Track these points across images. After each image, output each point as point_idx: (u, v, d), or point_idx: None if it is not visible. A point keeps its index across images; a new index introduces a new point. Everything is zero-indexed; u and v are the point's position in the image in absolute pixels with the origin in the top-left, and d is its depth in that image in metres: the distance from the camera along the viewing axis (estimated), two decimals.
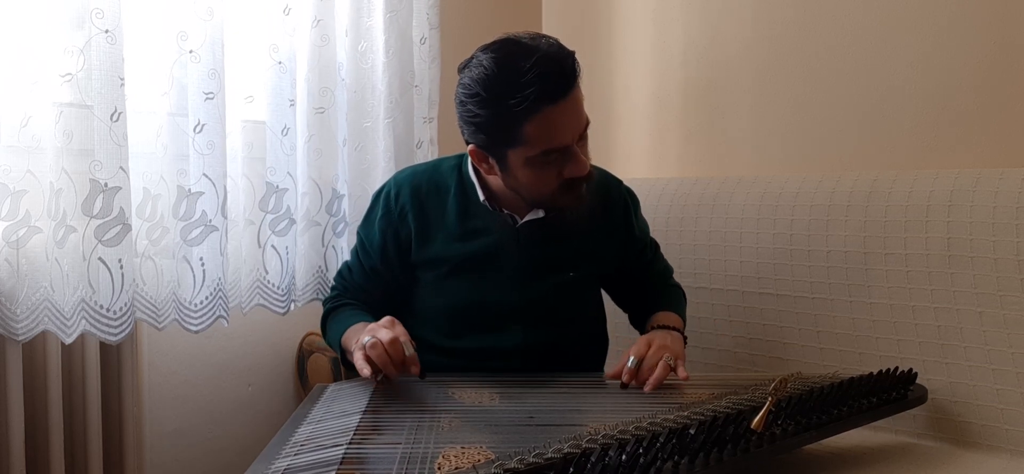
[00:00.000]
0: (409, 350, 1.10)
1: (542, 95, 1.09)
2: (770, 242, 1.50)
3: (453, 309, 1.29)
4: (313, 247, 1.60)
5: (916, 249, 1.32)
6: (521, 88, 1.09)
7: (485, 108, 1.13)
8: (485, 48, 1.15)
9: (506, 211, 1.28)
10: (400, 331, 1.12)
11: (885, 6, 1.50)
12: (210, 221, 1.39)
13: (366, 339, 1.10)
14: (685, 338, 1.31)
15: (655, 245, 1.47)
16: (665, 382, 1.16)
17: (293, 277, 1.58)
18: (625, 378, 1.17)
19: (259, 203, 1.52)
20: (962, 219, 1.28)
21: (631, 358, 1.18)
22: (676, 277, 1.50)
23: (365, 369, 1.09)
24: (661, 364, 1.15)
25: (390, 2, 1.65)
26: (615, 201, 1.37)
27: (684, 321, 1.37)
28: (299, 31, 1.55)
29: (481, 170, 1.25)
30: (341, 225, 1.65)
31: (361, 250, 1.35)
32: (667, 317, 1.32)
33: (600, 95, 1.99)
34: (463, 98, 1.16)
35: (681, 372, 1.16)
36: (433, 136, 1.79)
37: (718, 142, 1.79)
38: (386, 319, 1.15)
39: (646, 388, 1.14)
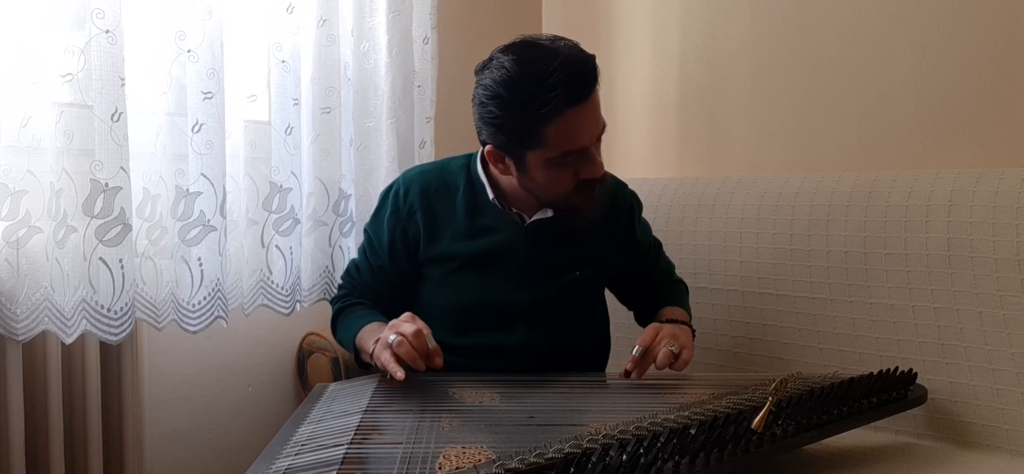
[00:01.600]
0: (432, 342, 1.10)
1: (566, 98, 1.10)
2: (770, 242, 1.50)
3: (459, 307, 1.29)
4: (320, 247, 1.60)
5: (916, 249, 1.32)
6: (546, 91, 1.09)
7: (507, 110, 1.14)
8: (504, 49, 1.15)
9: (514, 210, 1.28)
10: (421, 324, 1.12)
11: (885, 6, 1.50)
12: (208, 221, 1.39)
13: (392, 337, 1.10)
14: (693, 331, 1.32)
15: (658, 244, 1.48)
16: (665, 383, 1.16)
17: (298, 277, 1.58)
18: (628, 366, 1.18)
19: (263, 203, 1.52)
20: (962, 219, 1.28)
21: (637, 347, 1.19)
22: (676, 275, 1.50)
23: (399, 372, 1.07)
24: (664, 352, 1.17)
25: (392, 2, 1.65)
26: (621, 205, 1.39)
27: (690, 314, 1.38)
28: (304, 30, 1.55)
29: (496, 170, 1.25)
30: (347, 225, 1.65)
31: (369, 248, 1.35)
32: (673, 312, 1.34)
33: (600, 96, 1.99)
34: (484, 99, 1.16)
35: (685, 355, 1.18)
36: (435, 136, 1.79)
37: (718, 142, 1.79)
38: (406, 315, 1.15)
39: (654, 367, 1.17)
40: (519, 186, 1.24)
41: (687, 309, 1.39)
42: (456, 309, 1.29)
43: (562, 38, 1.15)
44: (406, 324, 1.12)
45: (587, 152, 1.17)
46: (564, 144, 1.14)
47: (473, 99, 1.19)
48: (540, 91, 1.10)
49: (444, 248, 1.29)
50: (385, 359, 1.10)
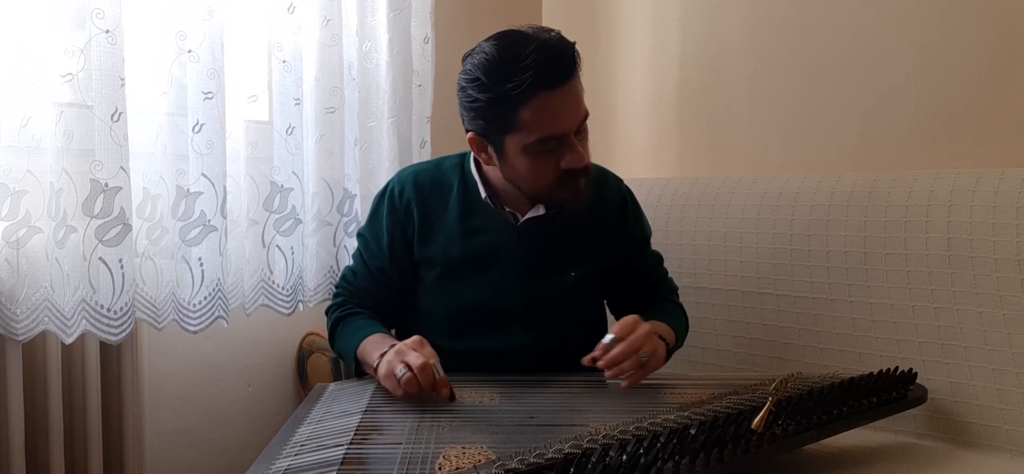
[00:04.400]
0: (440, 372, 1.08)
1: (539, 80, 1.10)
2: (770, 242, 1.50)
3: (456, 309, 1.29)
4: (324, 247, 1.60)
5: (916, 249, 1.32)
6: (519, 72, 1.10)
7: (484, 92, 1.14)
8: (489, 38, 1.17)
9: (507, 209, 1.28)
10: (429, 352, 1.10)
11: (885, 6, 1.50)
12: (209, 221, 1.39)
13: (401, 372, 1.06)
14: (669, 353, 1.26)
15: (659, 256, 1.44)
16: (664, 383, 1.15)
17: (299, 277, 1.58)
18: (596, 352, 1.13)
19: (263, 203, 1.52)
20: (962, 219, 1.28)
21: (609, 336, 1.14)
22: (676, 282, 1.47)
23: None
24: (632, 359, 1.12)
25: (393, 1, 1.65)
26: (612, 196, 1.37)
27: (678, 339, 1.32)
28: (305, 30, 1.55)
29: (480, 160, 1.25)
30: (352, 224, 1.66)
31: (366, 252, 1.34)
32: (658, 326, 1.25)
33: (600, 95, 1.99)
34: (463, 83, 1.18)
35: (652, 363, 1.14)
36: (433, 136, 1.80)
37: (718, 142, 1.79)
38: (414, 340, 1.12)
39: (607, 374, 1.13)
40: (504, 178, 1.23)
41: (678, 332, 1.32)
42: (452, 312, 1.29)
43: (550, 29, 1.16)
44: (413, 354, 1.08)
45: (567, 140, 1.16)
46: (541, 129, 1.13)
47: (457, 86, 1.20)
48: (513, 73, 1.11)
49: (438, 249, 1.28)
50: (397, 393, 1.08)
